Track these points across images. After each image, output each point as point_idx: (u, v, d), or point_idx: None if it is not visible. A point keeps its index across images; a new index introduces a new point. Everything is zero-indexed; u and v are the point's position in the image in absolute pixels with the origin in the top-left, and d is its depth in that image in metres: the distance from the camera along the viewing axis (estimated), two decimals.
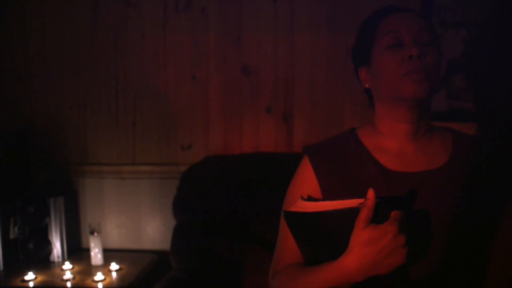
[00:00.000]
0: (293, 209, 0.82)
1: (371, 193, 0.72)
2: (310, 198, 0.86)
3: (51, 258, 1.74)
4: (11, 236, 1.70)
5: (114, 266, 1.65)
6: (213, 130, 1.87)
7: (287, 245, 0.89)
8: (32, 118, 1.91)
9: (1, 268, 1.64)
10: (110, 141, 1.91)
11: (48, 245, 1.74)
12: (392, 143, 0.89)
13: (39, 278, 1.57)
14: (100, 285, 1.51)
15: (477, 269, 0.87)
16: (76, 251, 1.85)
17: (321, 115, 1.82)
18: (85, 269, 1.66)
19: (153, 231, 1.91)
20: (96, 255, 1.70)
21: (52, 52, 1.89)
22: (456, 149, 0.90)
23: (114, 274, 1.61)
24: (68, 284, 1.52)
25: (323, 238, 0.78)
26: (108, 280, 1.56)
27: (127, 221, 1.92)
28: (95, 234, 1.71)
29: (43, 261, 1.72)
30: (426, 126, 0.90)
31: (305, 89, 1.83)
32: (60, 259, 1.74)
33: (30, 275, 1.55)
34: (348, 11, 1.77)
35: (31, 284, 1.52)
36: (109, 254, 1.77)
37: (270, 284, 0.92)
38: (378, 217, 0.72)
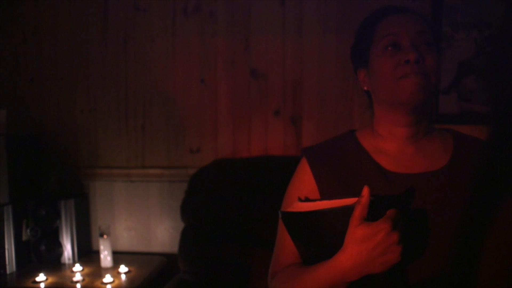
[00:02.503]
0: (290, 209, 0.82)
1: (365, 190, 0.71)
2: (307, 199, 0.85)
3: (62, 260, 1.76)
4: (24, 238, 1.73)
5: (123, 268, 1.66)
6: (222, 134, 1.88)
7: (285, 246, 0.89)
8: (44, 122, 1.94)
9: (14, 269, 1.67)
10: (120, 145, 1.93)
11: (59, 247, 1.76)
12: (391, 145, 0.89)
13: (50, 279, 1.59)
14: (108, 287, 1.52)
15: (476, 272, 0.85)
16: (87, 253, 1.87)
17: (330, 118, 1.81)
18: (95, 271, 1.67)
19: (162, 234, 1.92)
20: (106, 258, 1.72)
21: (63, 57, 1.93)
22: (457, 151, 0.88)
23: (123, 277, 1.62)
24: (78, 285, 1.54)
25: (320, 238, 0.78)
26: (116, 282, 1.57)
27: (137, 223, 1.94)
28: (105, 236, 1.72)
29: (54, 263, 1.74)
30: (425, 128, 0.88)
31: (314, 92, 1.82)
32: (71, 261, 1.76)
33: (41, 277, 1.57)
34: (358, 13, 1.75)
35: (42, 285, 1.54)
36: (118, 257, 1.78)
37: (269, 285, 0.91)
38: (374, 216, 0.71)
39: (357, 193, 0.74)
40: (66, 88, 1.94)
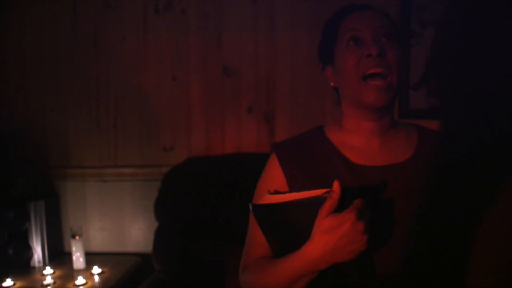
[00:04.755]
0: (260, 202, 0.83)
1: (336, 186, 0.73)
2: (276, 192, 0.87)
3: (32, 263, 1.72)
4: None
5: (96, 269, 1.63)
6: (195, 131, 1.86)
7: (256, 240, 0.91)
8: (11, 121, 1.89)
9: None
10: (92, 144, 1.89)
11: (28, 250, 1.71)
12: (357, 139, 0.91)
13: (18, 284, 1.54)
14: None
15: (452, 263, 0.87)
16: (58, 256, 1.83)
17: (302, 115, 1.83)
18: (67, 274, 1.64)
19: (136, 233, 1.90)
20: (78, 259, 1.68)
21: (31, 54, 1.87)
22: (421, 144, 0.91)
23: (96, 278, 1.59)
24: None
25: (289, 228, 0.80)
26: (89, 284, 1.54)
27: (110, 224, 1.90)
28: (77, 237, 1.69)
29: (23, 267, 1.69)
30: (390, 122, 0.91)
31: (286, 88, 1.83)
32: (41, 264, 1.72)
33: (8, 282, 1.52)
34: (329, 10, 1.76)
35: None
36: (92, 258, 1.75)
37: (240, 278, 0.93)
38: (341, 206, 0.73)
39: (324, 186, 0.75)
40: (34, 87, 1.88)
